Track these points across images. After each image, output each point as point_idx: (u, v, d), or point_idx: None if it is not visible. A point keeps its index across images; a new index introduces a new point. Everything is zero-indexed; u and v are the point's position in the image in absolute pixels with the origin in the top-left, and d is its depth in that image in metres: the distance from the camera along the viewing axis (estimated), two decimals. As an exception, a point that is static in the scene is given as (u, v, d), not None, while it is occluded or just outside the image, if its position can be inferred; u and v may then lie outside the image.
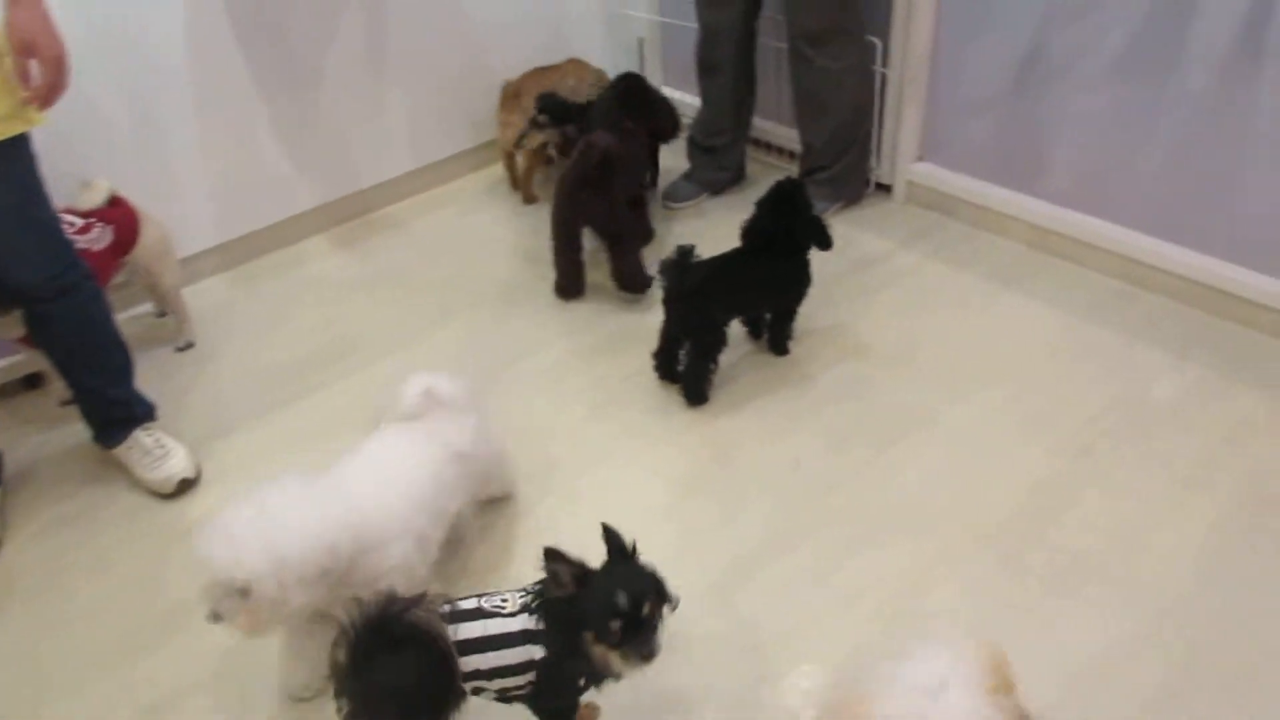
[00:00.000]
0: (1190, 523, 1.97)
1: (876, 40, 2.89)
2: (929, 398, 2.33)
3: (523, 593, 1.46)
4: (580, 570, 1.39)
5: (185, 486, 2.24)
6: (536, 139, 3.09)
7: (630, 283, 2.72)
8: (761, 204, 2.36)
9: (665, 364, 2.41)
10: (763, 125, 3.31)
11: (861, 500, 2.08)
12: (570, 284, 2.77)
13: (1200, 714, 1.64)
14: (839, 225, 2.98)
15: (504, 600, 1.47)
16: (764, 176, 3.26)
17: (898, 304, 2.66)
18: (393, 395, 1.87)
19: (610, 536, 1.43)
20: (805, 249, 2.38)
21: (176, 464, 2.24)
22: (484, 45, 3.34)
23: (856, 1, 2.75)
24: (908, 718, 1.14)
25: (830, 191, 3.02)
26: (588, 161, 2.58)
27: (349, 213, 3.25)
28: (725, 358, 2.37)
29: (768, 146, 3.38)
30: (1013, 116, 2.80)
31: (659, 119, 2.94)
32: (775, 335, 2.49)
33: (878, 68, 2.93)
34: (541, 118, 2.99)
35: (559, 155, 3.20)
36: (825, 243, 2.36)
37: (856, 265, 2.83)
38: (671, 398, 2.39)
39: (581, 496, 2.15)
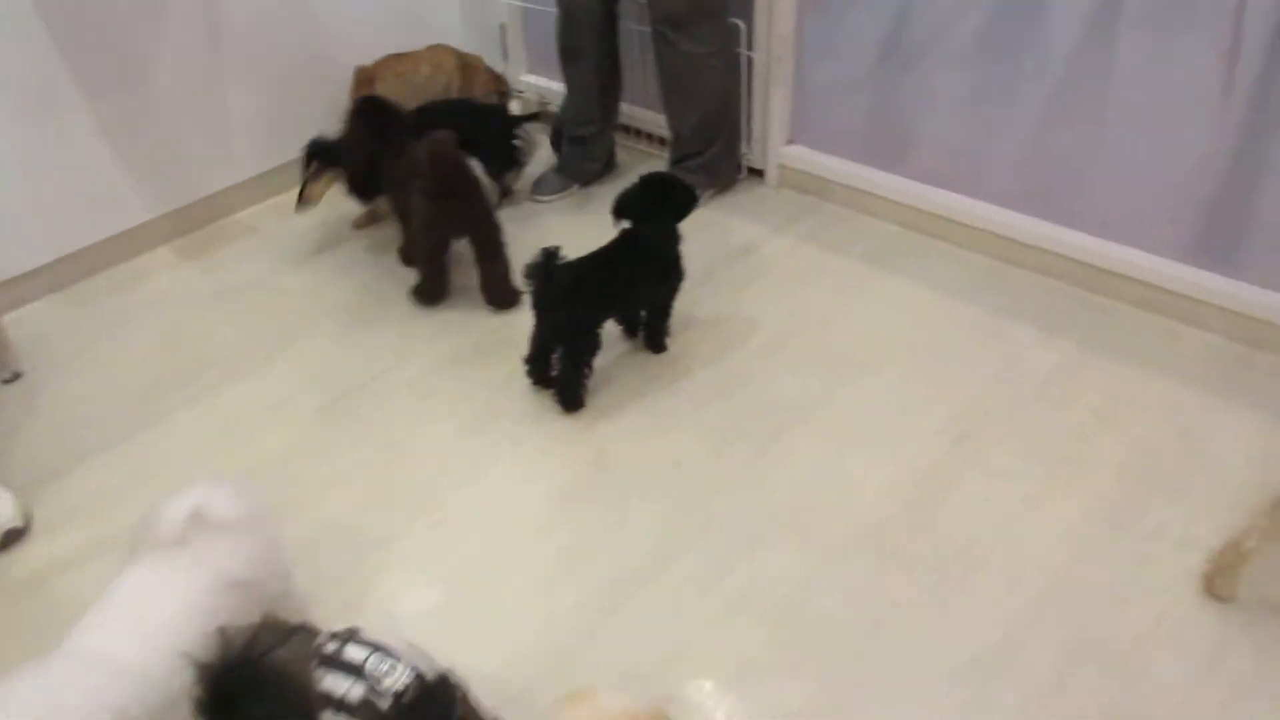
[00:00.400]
0: (1068, 501, 1.97)
1: (740, 23, 2.82)
2: (810, 387, 2.28)
3: (410, 675, 1.33)
4: None
5: (13, 538, 2.03)
6: (318, 189, 2.82)
7: (501, 297, 2.59)
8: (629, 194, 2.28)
9: (538, 370, 2.30)
10: (632, 112, 3.21)
11: (745, 501, 2.02)
12: (435, 288, 2.63)
13: (1088, 699, 1.64)
14: (712, 213, 2.92)
15: (390, 669, 1.33)
16: (636, 165, 3.17)
17: (775, 291, 2.61)
18: (152, 518, 1.51)
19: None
20: (674, 242, 2.30)
21: (2, 513, 2.03)
22: (332, 35, 3.14)
23: (712, -18, 2.68)
24: None
25: (703, 179, 2.94)
26: (443, 168, 2.44)
27: (194, 222, 3.02)
28: (600, 358, 2.28)
29: (638, 133, 3.28)
30: (881, 95, 2.78)
31: (404, 137, 2.63)
32: (651, 333, 2.41)
33: (743, 50, 2.86)
34: (310, 168, 2.77)
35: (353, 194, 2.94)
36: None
37: (732, 253, 2.77)
38: (546, 404, 2.29)
39: (453, 519, 2.03)
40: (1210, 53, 2.16)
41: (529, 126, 3.04)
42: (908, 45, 2.65)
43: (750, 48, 2.87)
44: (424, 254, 2.61)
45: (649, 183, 2.28)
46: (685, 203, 2.30)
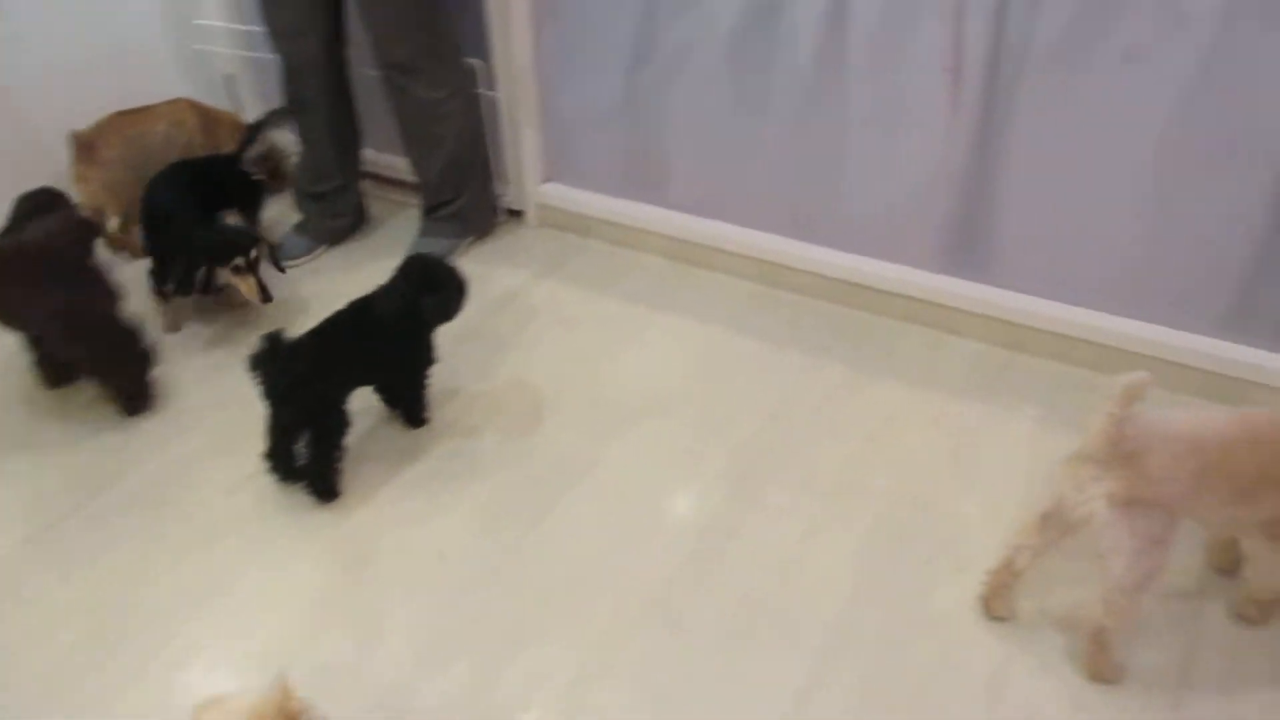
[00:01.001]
0: (847, 534, 1.93)
1: (477, 62, 2.67)
2: (583, 447, 2.15)
3: None
4: None
5: None
6: None
7: (130, 404, 2.28)
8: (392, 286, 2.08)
9: (282, 463, 2.07)
10: (379, 160, 3.02)
11: (517, 588, 1.86)
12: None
13: (881, 754, 1.57)
14: (472, 264, 2.75)
15: None
16: (390, 217, 2.99)
17: (542, 343, 2.48)
18: None
19: None
20: (415, 308, 2.10)
21: None
22: (37, 99, 2.79)
23: (442, 24, 2.52)
24: None
25: (459, 227, 2.79)
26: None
27: None
28: (354, 435, 2.07)
29: (389, 182, 3.08)
30: (632, 125, 2.69)
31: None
32: (407, 407, 2.22)
33: (483, 91, 2.72)
34: None
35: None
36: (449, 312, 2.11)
37: (496, 304, 2.61)
38: (296, 499, 2.06)
39: (190, 652, 1.77)
40: (936, 68, 2.17)
41: (267, 132, 2.76)
42: (651, 73, 2.57)
43: (492, 87, 2.72)
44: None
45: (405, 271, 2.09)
46: (433, 276, 2.09)
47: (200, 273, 2.36)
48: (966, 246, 2.36)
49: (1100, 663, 1.62)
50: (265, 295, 2.37)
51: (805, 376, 2.32)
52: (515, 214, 2.95)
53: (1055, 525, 1.60)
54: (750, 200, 2.61)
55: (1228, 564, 1.79)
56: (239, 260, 2.34)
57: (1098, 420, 1.47)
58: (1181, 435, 1.51)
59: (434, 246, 2.74)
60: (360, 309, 2.07)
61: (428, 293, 2.06)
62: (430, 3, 2.47)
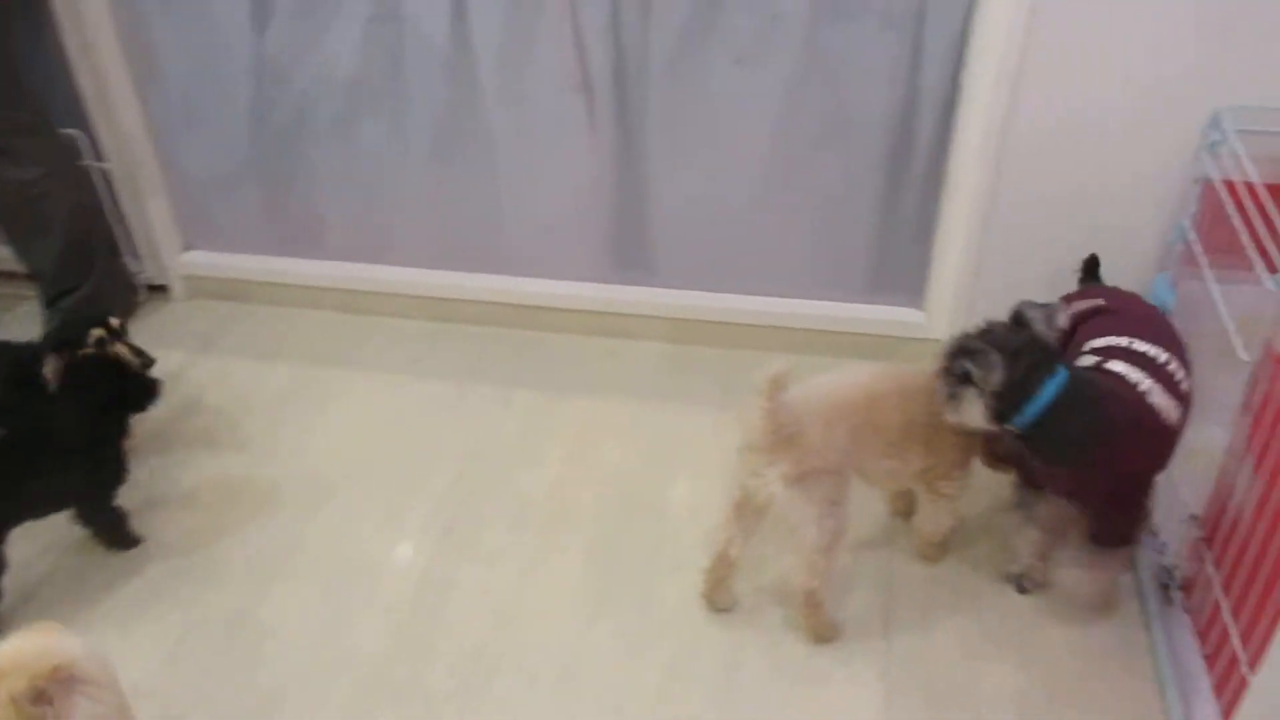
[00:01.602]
0: (565, 559, 1.92)
1: (77, 132, 2.40)
2: (280, 534, 1.99)
3: None
4: None
5: None
6: None
7: None
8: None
9: None
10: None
11: (235, 705, 1.69)
12: None
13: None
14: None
15: None
16: (2, 313, 2.62)
17: (219, 427, 2.27)
18: None
19: None
20: (89, 422, 1.87)
21: None
22: None
23: (14, 93, 2.23)
24: None
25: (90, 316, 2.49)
26: None
27: None
28: (31, 571, 1.79)
29: (-1, 275, 2.71)
30: (271, 182, 2.53)
31: None
32: (101, 529, 1.95)
33: (91, 163, 2.45)
34: None
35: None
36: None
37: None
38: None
39: None
40: (563, 86, 2.21)
41: None
42: (279, 125, 2.43)
43: (100, 158, 2.46)
44: None
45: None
46: (101, 376, 1.89)
47: None
48: (628, 254, 2.43)
49: (817, 623, 1.73)
50: None
51: (496, 408, 2.30)
52: (158, 289, 2.69)
53: (748, 511, 1.68)
54: (409, 239, 2.54)
55: (904, 509, 1.97)
56: None
57: (753, 412, 1.55)
58: (829, 402, 1.64)
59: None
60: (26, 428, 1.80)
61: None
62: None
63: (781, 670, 1.71)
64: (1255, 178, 1.70)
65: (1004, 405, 1.51)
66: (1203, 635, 1.62)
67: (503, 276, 2.51)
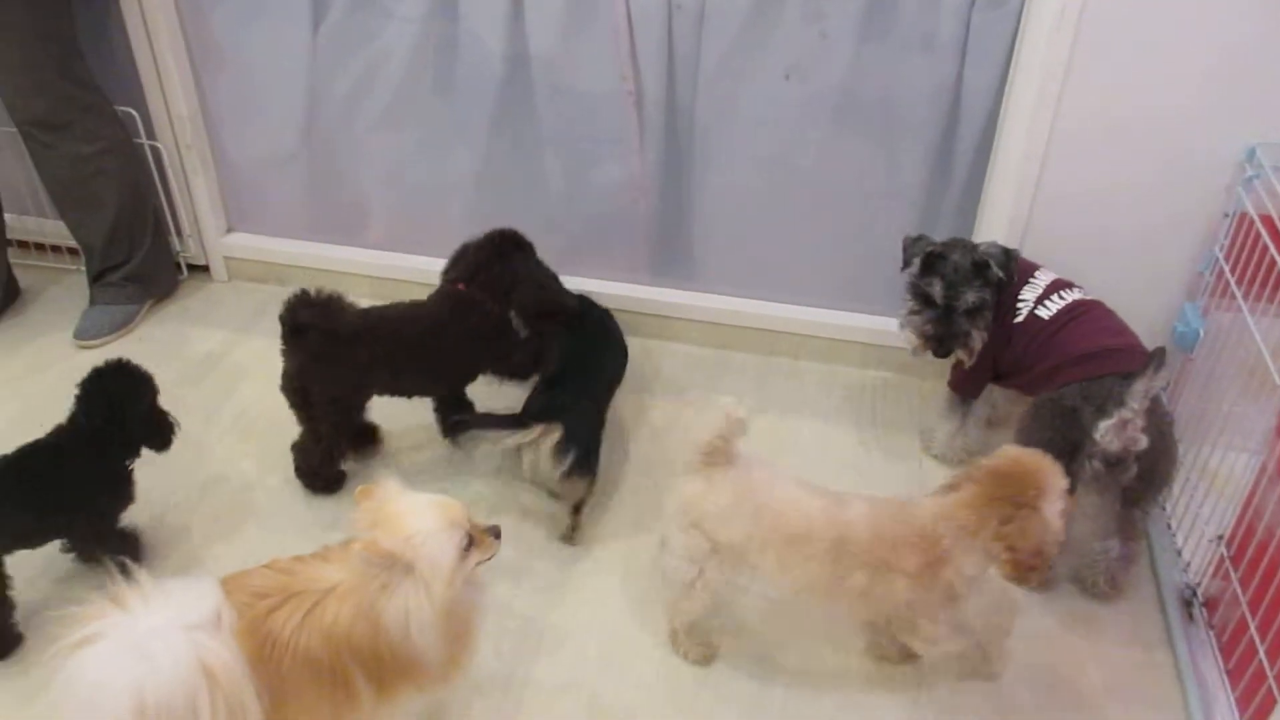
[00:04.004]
0: (605, 552, 1.97)
1: (131, 111, 2.44)
2: (331, 513, 2.04)
3: None
4: None
5: None
6: None
7: None
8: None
9: None
10: (24, 224, 2.67)
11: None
12: None
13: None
14: (158, 327, 2.54)
15: None
16: (49, 286, 2.66)
17: (261, 408, 2.28)
18: None
19: None
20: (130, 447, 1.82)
21: None
22: None
23: (82, 71, 2.27)
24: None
25: (136, 290, 2.53)
26: None
27: None
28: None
29: (43, 248, 2.74)
30: (318, 169, 2.58)
31: None
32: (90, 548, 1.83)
33: (144, 141, 2.48)
34: None
35: None
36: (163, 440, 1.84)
37: (196, 370, 2.40)
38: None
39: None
40: (620, 91, 2.26)
41: None
42: (331, 113, 2.48)
43: (151, 136, 2.50)
44: None
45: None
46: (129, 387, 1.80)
47: None
48: (668, 257, 2.49)
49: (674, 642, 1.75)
50: None
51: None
52: (199, 269, 2.73)
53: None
54: (450, 232, 2.54)
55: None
56: None
57: (694, 432, 1.57)
58: (758, 499, 1.56)
59: (109, 314, 2.48)
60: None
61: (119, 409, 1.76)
62: (63, 50, 2.22)
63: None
64: (1292, 213, 1.76)
65: None
66: (1226, 652, 1.68)
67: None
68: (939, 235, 2.30)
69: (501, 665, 1.74)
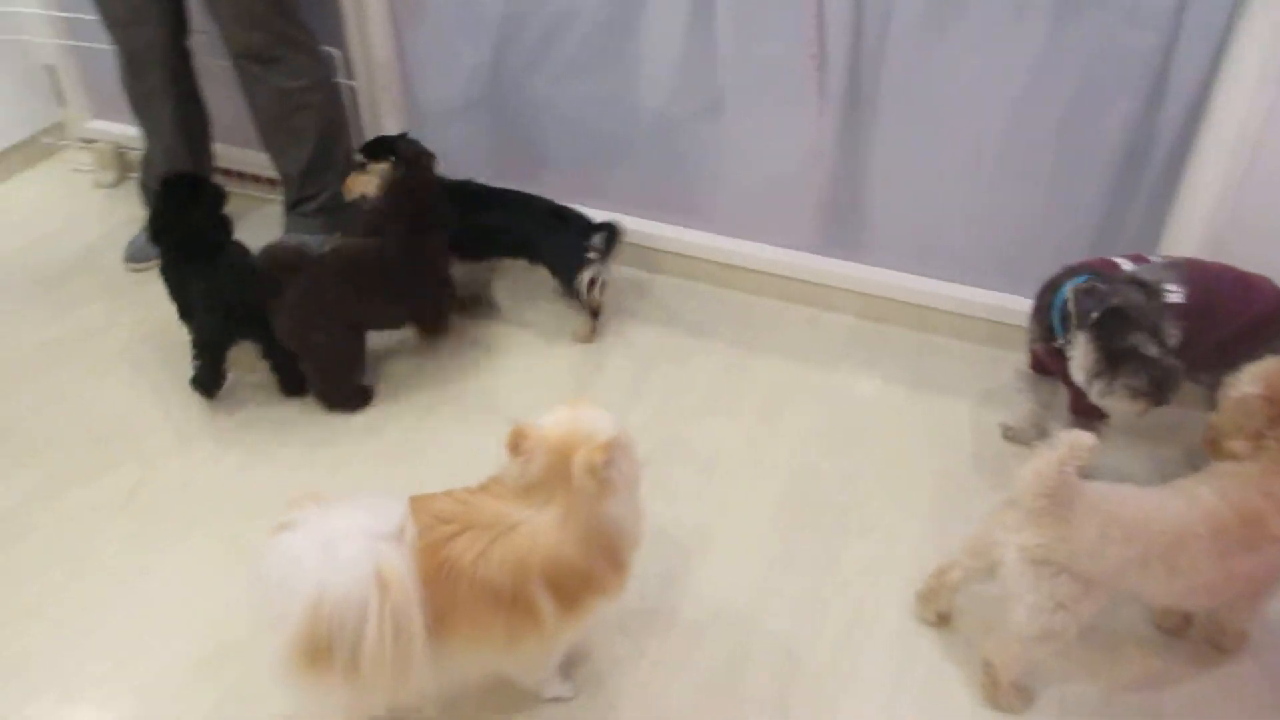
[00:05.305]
0: (752, 512, 1.99)
1: (334, 50, 2.58)
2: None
3: None
4: None
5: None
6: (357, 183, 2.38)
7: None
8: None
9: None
10: (228, 153, 2.86)
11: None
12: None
13: None
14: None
15: None
16: (248, 213, 2.84)
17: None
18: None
19: None
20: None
21: None
22: None
23: (292, 8, 2.41)
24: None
25: (325, 222, 2.67)
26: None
27: None
28: None
29: (244, 177, 2.93)
30: (500, 114, 2.66)
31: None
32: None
33: (342, 80, 2.62)
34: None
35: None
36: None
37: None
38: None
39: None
40: (801, 55, 2.25)
41: None
42: (516, 62, 2.55)
43: (350, 76, 2.63)
44: None
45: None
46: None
47: None
48: (837, 226, 2.47)
49: (992, 695, 1.63)
50: None
51: (689, 356, 2.38)
52: (379, 208, 2.87)
53: (980, 554, 1.61)
54: (622, 185, 2.63)
55: (1175, 626, 1.77)
56: None
57: (1029, 470, 1.46)
58: (1121, 519, 1.48)
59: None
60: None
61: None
62: (280, -13, 2.37)
63: (932, 695, 1.68)
64: None
65: None
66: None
67: (708, 234, 2.58)
68: (1127, 228, 2.21)
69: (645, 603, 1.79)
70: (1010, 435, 2.14)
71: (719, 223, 2.56)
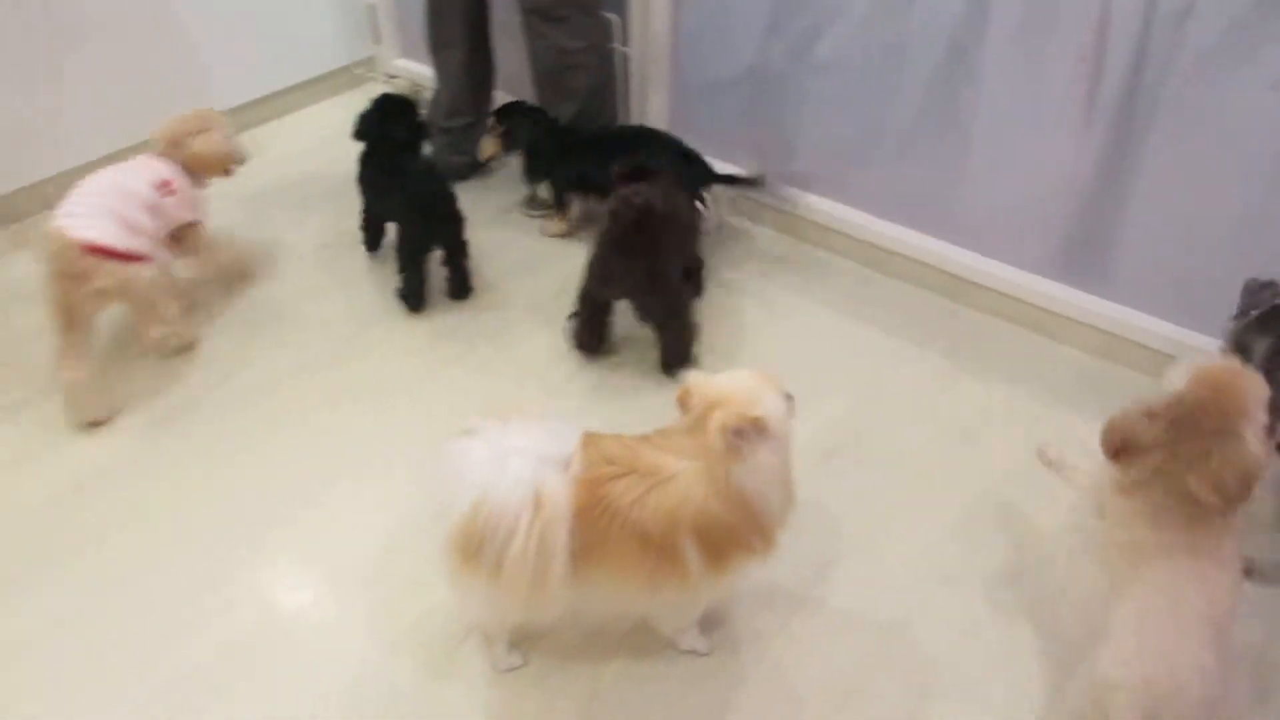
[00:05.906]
0: (929, 520, 1.96)
1: (615, 17, 2.72)
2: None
3: None
4: None
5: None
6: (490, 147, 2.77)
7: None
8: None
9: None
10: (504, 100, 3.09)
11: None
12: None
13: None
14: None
15: None
16: (510, 160, 3.05)
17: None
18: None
19: None
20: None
21: None
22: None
23: (585, -28, 2.57)
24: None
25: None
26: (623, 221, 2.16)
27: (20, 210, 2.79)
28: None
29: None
30: (758, 97, 2.71)
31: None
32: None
33: (618, 46, 2.76)
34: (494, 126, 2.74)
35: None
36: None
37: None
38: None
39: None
40: (1072, 61, 2.13)
41: None
42: (783, 49, 2.58)
43: (625, 43, 2.77)
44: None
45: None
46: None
47: None
48: (1082, 254, 2.33)
49: None
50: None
51: (899, 361, 2.35)
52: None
53: None
54: (866, 183, 2.61)
55: None
56: None
57: None
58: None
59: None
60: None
61: None
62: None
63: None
64: None
65: None
66: None
67: (945, 243, 2.51)
68: None
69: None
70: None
71: (955, 233, 2.49)
